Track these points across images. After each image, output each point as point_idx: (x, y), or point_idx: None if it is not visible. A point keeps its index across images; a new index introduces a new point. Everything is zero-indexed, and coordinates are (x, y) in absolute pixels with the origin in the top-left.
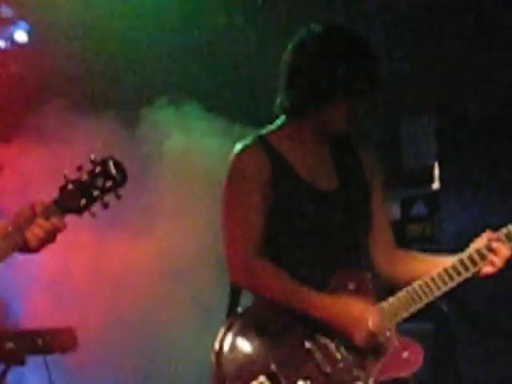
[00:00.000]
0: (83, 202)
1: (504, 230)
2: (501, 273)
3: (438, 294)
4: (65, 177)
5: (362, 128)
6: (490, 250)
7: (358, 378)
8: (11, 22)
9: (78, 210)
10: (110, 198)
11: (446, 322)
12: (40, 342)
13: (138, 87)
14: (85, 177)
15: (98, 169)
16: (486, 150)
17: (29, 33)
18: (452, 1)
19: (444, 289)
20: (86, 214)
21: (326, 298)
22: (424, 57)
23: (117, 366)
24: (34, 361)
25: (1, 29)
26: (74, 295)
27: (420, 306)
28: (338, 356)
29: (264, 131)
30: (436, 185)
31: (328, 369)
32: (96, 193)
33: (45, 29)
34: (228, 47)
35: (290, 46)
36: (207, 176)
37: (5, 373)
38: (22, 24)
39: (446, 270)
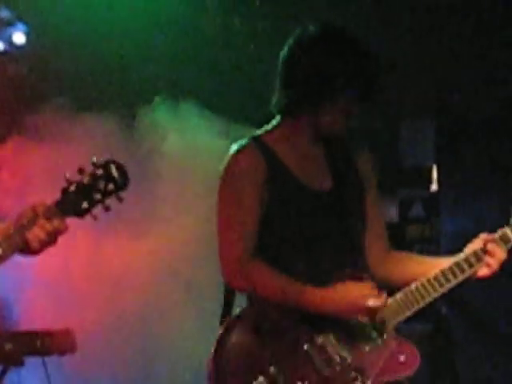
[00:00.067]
0: (85, 204)
1: (499, 233)
2: (499, 275)
3: (435, 295)
4: (67, 179)
5: (360, 128)
6: (486, 252)
7: (356, 379)
8: (9, 24)
9: (80, 213)
10: (111, 200)
11: (445, 323)
12: (38, 343)
13: (136, 87)
14: (87, 179)
15: (99, 171)
16: (484, 151)
17: (27, 34)
18: (452, 1)
19: (441, 291)
20: (87, 217)
21: (322, 290)
22: (424, 57)
23: (116, 366)
24: (32, 362)
25: None
26: (73, 296)
27: (418, 307)
28: (336, 358)
29: (259, 132)
30: (434, 186)
31: (326, 371)
32: (98, 196)
33: (43, 30)
34: (227, 47)
35: (286, 46)
36: (206, 176)
37: (3, 374)
38: (21, 26)
39: (442, 272)
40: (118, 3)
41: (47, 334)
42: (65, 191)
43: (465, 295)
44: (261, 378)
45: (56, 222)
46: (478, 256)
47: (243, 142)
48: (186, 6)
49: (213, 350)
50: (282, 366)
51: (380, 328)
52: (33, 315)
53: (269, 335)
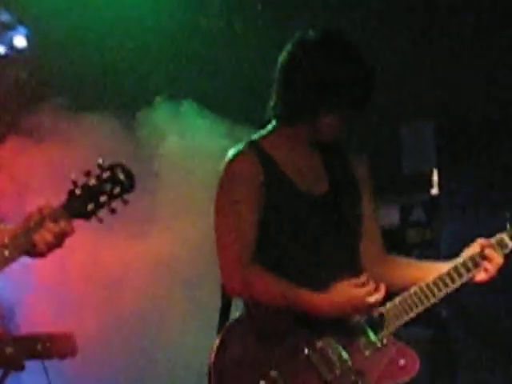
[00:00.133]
0: (91, 206)
1: (496, 238)
2: (499, 279)
3: (433, 300)
4: (73, 181)
5: (360, 133)
6: (484, 257)
7: (356, 383)
8: (10, 28)
9: (86, 215)
10: (117, 203)
11: (445, 327)
12: (39, 347)
13: (136, 88)
14: (93, 182)
15: (106, 174)
16: (485, 155)
17: (28, 38)
18: (452, 1)
19: (440, 295)
20: (93, 219)
21: (321, 293)
22: (424, 62)
23: (116, 368)
24: (32, 366)
25: (0, 34)
26: (73, 298)
27: (416, 312)
28: (337, 362)
29: (256, 136)
30: (435, 190)
31: (327, 375)
32: (103, 198)
33: (43, 33)
34: (228, 47)
35: (285, 51)
36: (206, 176)
37: (4, 378)
38: (21, 29)
39: (441, 277)
40: (119, 4)
41: (48, 338)
42: (71, 193)
43: (464, 299)
44: (262, 383)
45: (63, 224)
46: (475, 261)
47: (239, 147)
48: (187, 8)
49: (213, 356)
50: (283, 370)
51: (380, 324)
52: (33, 318)
53: (268, 340)
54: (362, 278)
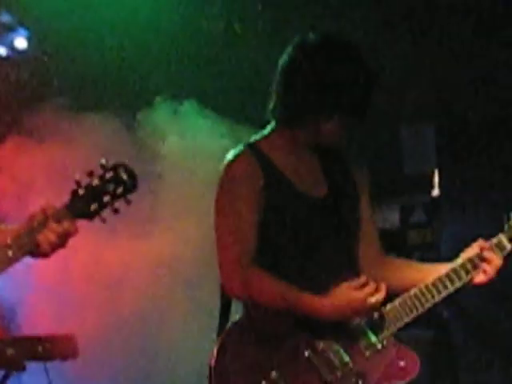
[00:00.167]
0: (94, 207)
1: (495, 240)
2: (500, 281)
3: (433, 302)
4: (76, 181)
5: (361, 134)
6: (482, 259)
7: None
8: (11, 29)
9: (89, 215)
10: (120, 203)
11: (446, 329)
12: (40, 348)
13: (137, 88)
14: (96, 182)
15: (108, 174)
16: (485, 156)
17: (29, 39)
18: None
19: (439, 297)
20: (96, 220)
21: (321, 296)
22: (424, 63)
23: (117, 368)
24: (33, 367)
25: (0, 35)
26: (74, 299)
27: (416, 314)
28: (338, 364)
29: (254, 138)
30: (436, 191)
31: (327, 376)
32: (107, 198)
33: (44, 33)
34: (229, 48)
35: (286, 54)
36: (207, 176)
37: (5, 379)
38: (22, 31)
39: (440, 279)
40: (120, 5)
41: (49, 339)
42: (74, 193)
43: (465, 301)
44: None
45: (66, 224)
46: (474, 263)
47: (238, 149)
48: (187, 8)
49: (213, 359)
50: (284, 371)
51: (380, 326)
52: (34, 319)
53: (269, 342)
54: (362, 279)
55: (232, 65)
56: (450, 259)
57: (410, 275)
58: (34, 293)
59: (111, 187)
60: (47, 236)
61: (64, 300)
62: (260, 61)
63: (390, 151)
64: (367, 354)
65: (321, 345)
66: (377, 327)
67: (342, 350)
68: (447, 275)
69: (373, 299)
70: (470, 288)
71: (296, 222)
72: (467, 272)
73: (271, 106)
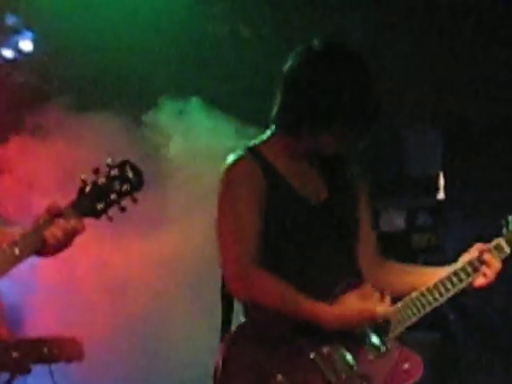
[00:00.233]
0: (101, 205)
1: (494, 243)
2: (506, 283)
3: (435, 305)
4: (82, 179)
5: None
6: (482, 262)
7: None
8: (16, 32)
9: (96, 213)
10: (126, 201)
11: (453, 331)
12: (45, 350)
13: (143, 89)
14: (102, 180)
15: (115, 172)
16: (491, 159)
17: (34, 42)
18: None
19: (441, 300)
20: (102, 218)
21: (327, 305)
22: (429, 65)
23: (122, 371)
24: (38, 369)
25: (6, 38)
26: (79, 299)
27: (418, 317)
28: (342, 366)
29: (254, 142)
30: (441, 194)
31: (332, 379)
32: (113, 196)
33: (50, 36)
34: (234, 49)
35: (290, 61)
36: (213, 177)
37: (10, 382)
38: (28, 33)
39: (441, 282)
40: (125, 7)
41: (54, 342)
42: (80, 192)
43: (473, 303)
44: None
45: (73, 222)
46: (474, 266)
47: (238, 152)
48: (192, 10)
49: (218, 363)
50: (289, 374)
51: (385, 329)
52: (39, 321)
53: (274, 344)
54: (367, 289)
55: (238, 66)
56: (454, 262)
57: (410, 279)
58: (39, 295)
59: (117, 185)
60: (54, 232)
61: (69, 302)
62: (265, 61)
63: (395, 154)
64: (371, 356)
65: (326, 347)
66: (380, 330)
67: (346, 353)
68: (448, 278)
69: (381, 309)
70: (472, 291)
71: (297, 224)
72: (468, 275)
73: (274, 111)
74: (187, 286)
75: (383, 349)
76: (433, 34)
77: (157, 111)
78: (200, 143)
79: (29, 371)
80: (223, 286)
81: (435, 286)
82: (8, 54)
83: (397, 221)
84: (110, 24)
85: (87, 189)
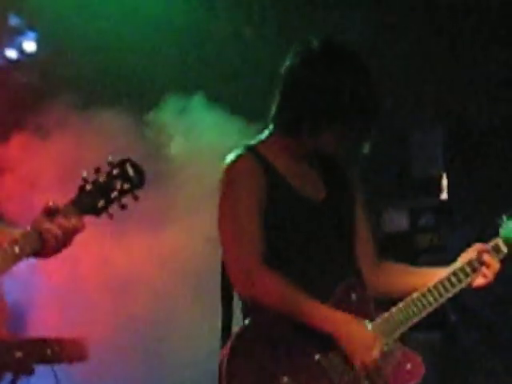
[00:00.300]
0: (101, 203)
1: (491, 243)
2: (508, 284)
3: (435, 305)
4: (83, 178)
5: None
6: (481, 262)
7: None
8: (20, 32)
9: (96, 211)
10: (127, 199)
11: (455, 332)
12: (49, 351)
13: (147, 88)
14: (103, 178)
15: (115, 170)
16: (494, 159)
17: (37, 42)
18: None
19: (440, 301)
20: (103, 216)
21: (341, 315)
22: (433, 67)
23: (126, 371)
24: (41, 369)
25: (10, 38)
26: (82, 299)
27: (419, 317)
28: (346, 367)
29: (253, 142)
30: (444, 195)
31: (337, 380)
32: (114, 194)
33: (54, 34)
34: (237, 48)
35: (289, 61)
36: (217, 177)
37: (13, 382)
38: (31, 34)
39: (441, 282)
40: (129, 6)
41: (57, 342)
42: (81, 189)
43: (475, 304)
44: None
45: (74, 220)
46: (473, 266)
47: (238, 151)
48: (194, 11)
49: (224, 363)
50: (295, 376)
51: (385, 327)
52: (42, 321)
53: (278, 346)
54: (372, 334)
55: (241, 66)
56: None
57: (411, 279)
58: (42, 294)
59: (118, 183)
60: (53, 231)
61: (72, 302)
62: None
63: (398, 155)
64: None
65: (330, 349)
66: (382, 331)
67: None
68: (447, 279)
69: (375, 352)
70: (475, 291)
71: (297, 224)
72: (467, 275)
73: (272, 111)
74: (189, 286)
75: (385, 349)
76: (433, 34)
77: (159, 110)
78: (205, 141)
79: (32, 371)
80: (223, 286)
81: (435, 287)
82: (12, 54)
83: (399, 221)
84: (112, 24)
85: (88, 187)
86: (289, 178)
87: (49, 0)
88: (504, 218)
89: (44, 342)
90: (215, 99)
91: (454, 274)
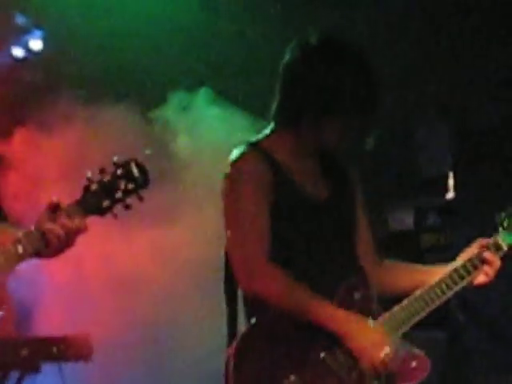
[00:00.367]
0: (106, 203)
1: (491, 241)
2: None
3: (438, 303)
4: (88, 178)
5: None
6: (482, 260)
7: None
8: (26, 31)
9: (101, 211)
10: (132, 199)
11: (460, 331)
12: (55, 349)
13: (151, 86)
14: (107, 178)
15: (120, 171)
16: (501, 159)
17: (44, 40)
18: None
19: (443, 298)
20: (107, 216)
21: (347, 314)
22: (440, 65)
23: (131, 368)
24: (48, 367)
25: (16, 37)
26: (88, 298)
27: (423, 315)
28: (353, 365)
29: (255, 139)
30: (450, 194)
31: (343, 378)
32: (118, 194)
33: (60, 32)
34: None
35: (288, 55)
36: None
37: (20, 380)
38: (37, 32)
39: (443, 280)
40: (135, 4)
41: (63, 340)
42: (86, 189)
43: (482, 304)
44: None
45: (77, 221)
46: (475, 264)
47: (243, 148)
48: (200, 9)
49: (231, 362)
50: (302, 374)
51: (390, 326)
52: (48, 320)
53: (285, 345)
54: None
55: (246, 64)
56: None
57: (412, 278)
58: (48, 293)
59: (123, 183)
60: (56, 232)
61: (77, 301)
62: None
63: (405, 154)
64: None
65: (335, 347)
66: (386, 329)
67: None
68: (450, 276)
69: (385, 353)
70: (487, 289)
71: (301, 222)
72: (468, 272)
73: (273, 107)
74: (196, 284)
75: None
76: (439, 31)
77: (165, 107)
78: (208, 138)
79: (38, 370)
80: (226, 283)
81: (438, 284)
82: (19, 53)
83: (406, 220)
84: (118, 22)
85: (93, 187)
86: (293, 175)
87: None
88: (502, 214)
89: (49, 340)
90: (220, 97)
91: (456, 271)
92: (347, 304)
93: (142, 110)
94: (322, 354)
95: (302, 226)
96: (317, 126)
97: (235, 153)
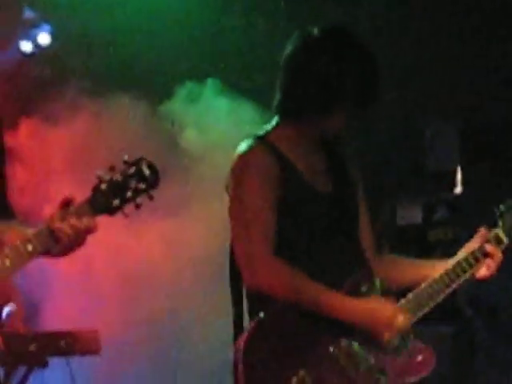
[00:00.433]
0: (116, 202)
1: (492, 234)
2: None
3: (442, 296)
4: (98, 176)
5: (384, 132)
6: (484, 253)
7: (378, 381)
8: (34, 25)
9: (111, 211)
10: (142, 198)
11: (467, 326)
12: (62, 343)
13: (159, 79)
14: (118, 177)
15: (131, 170)
16: (508, 154)
17: (52, 35)
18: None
19: (447, 291)
20: (118, 214)
21: (354, 300)
22: (449, 61)
23: (139, 362)
24: (55, 362)
25: (24, 31)
26: (96, 293)
27: (428, 309)
28: (360, 359)
29: (261, 132)
30: (458, 189)
31: (351, 372)
32: (129, 194)
33: (68, 27)
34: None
35: (290, 48)
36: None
37: (27, 375)
38: (45, 26)
39: (446, 273)
40: (143, 3)
41: (71, 335)
42: (96, 188)
43: (490, 298)
44: (294, 380)
45: (86, 221)
46: (476, 257)
47: (249, 141)
48: (209, 2)
49: (240, 356)
50: (311, 369)
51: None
52: (56, 315)
53: (293, 339)
54: (391, 301)
55: (254, 57)
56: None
57: (414, 272)
58: (56, 288)
59: (133, 183)
60: (66, 231)
61: (85, 295)
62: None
63: (413, 149)
64: (386, 350)
65: (343, 341)
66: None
67: (363, 346)
68: (453, 269)
69: (401, 322)
70: (494, 284)
71: (308, 215)
72: (471, 265)
73: (276, 100)
74: (205, 278)
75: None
76: (459, 33)
77: (173, 99)
78: (216, 130)
79: (46, 364)
80: (232, 282)
81: (441, 278)
82: (27, 47)
83: (414, 215)
84: (126, 16)
85: (103, 186)
86: (300, 168)
87: None
88: (502, 207)
89: (57, 334)
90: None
91: (459, 264)
92: (355, 296)
93: (149, 103)
94: (331, 348)
95: (309, 220)
96: (319, 116)
97: (242, 146)
